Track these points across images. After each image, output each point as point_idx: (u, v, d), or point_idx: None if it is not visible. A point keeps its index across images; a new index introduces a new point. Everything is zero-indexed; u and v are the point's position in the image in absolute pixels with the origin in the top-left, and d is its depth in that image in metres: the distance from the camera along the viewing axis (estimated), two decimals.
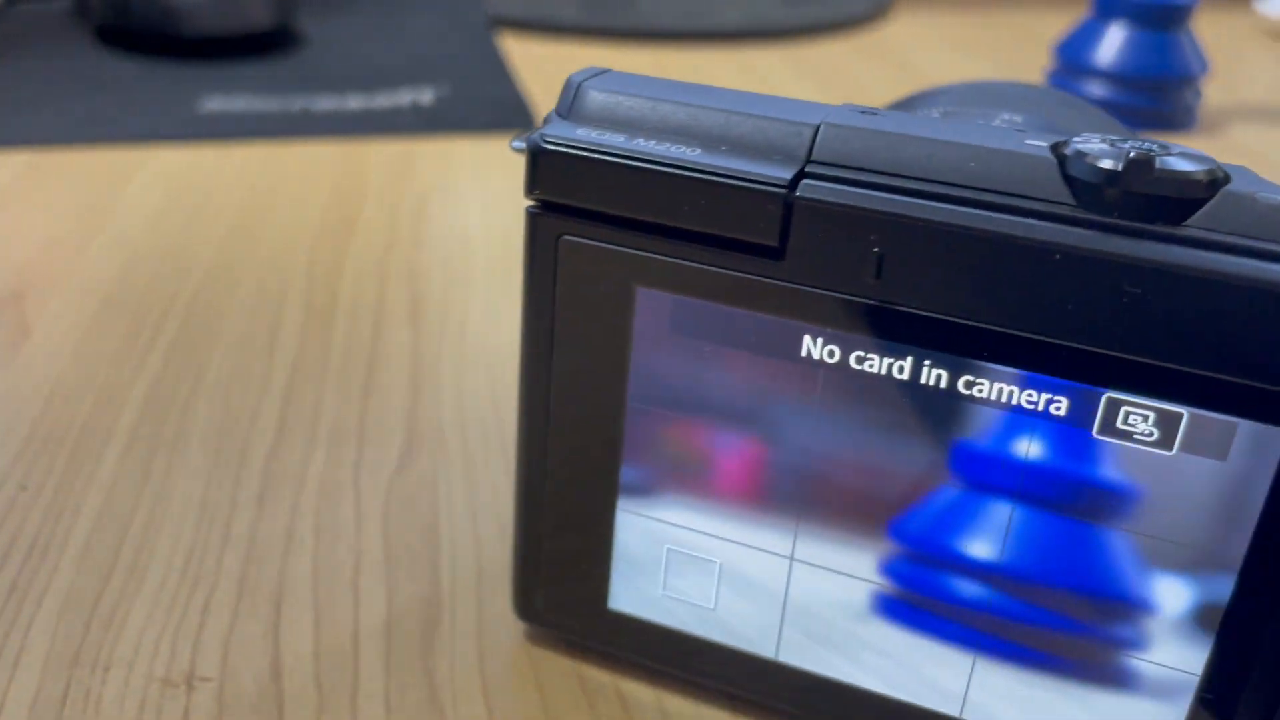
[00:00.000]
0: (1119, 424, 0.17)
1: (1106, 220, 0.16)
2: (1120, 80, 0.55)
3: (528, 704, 0.22)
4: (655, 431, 0.20)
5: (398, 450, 0.29)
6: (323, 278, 0.38)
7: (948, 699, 0.20)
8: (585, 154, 0.18)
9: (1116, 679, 0.19)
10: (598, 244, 0.19)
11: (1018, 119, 0.23)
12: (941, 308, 0.17)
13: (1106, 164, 0.16)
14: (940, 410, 0.18)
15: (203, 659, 0.22)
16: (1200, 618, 0.18)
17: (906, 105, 0.27)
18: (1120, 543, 0.18)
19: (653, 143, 0.18)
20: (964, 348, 0.17)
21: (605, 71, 0.20)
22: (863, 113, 0.18)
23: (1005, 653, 0.19)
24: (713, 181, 0.18)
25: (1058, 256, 0.16)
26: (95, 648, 0.23)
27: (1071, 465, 0.18)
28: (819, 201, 0.17)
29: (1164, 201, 0.16)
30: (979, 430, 0.18)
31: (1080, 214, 0.16)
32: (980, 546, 0.19)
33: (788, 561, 0.20)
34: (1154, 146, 0.16)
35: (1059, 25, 0.67)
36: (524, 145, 0.19)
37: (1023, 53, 0.68)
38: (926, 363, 0.18)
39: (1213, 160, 0.16)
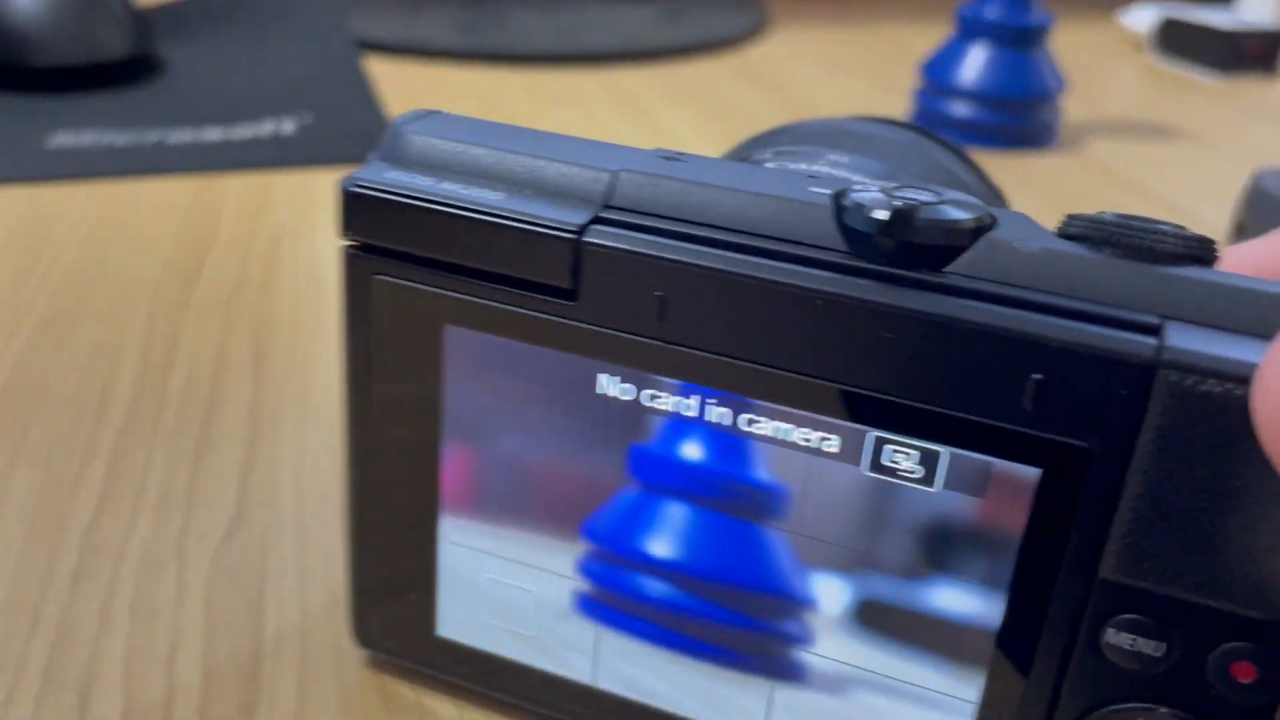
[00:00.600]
0: (885, 461, 0.18)
1: (870, 267, 0.17)
2: (982, 99, 0.56)
3: None
4: (472, 464, 0.21)
5: (228, 516, 0.28)
6: (163, 327, 0.36)
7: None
8: (392, 197, 0.19)
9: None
10: (408, 284, 0.20)
11: (844, 159, 0.24)
12: (719, 348, 0.18)
13: (877, 214, 0.16)
14: (724, 447, 0.19)
15: None
16: (977, 645, 0.18)
17: (752, 144, 0.28)
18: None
19: (459, 186, 0.19)
20: (743, 387, 0.18)
21: (433, 113, 0.21)
22: (666, 159, 0.19)
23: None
24: (509, 226, 0.18)
25: (819, 302, 0.17)
26: None
27: (846, 503, 0.18)
28: (606, 247, 0.18)
29: (928, 249, 0.16)
30: (763, 468, 0.19)
31: (849, 261, 0.17)
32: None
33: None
34: (929, 196, 0.17)
35: (932, 42, 0.68)
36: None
37: (897, 71, 0.69)
38: (711, 401, 0.18)
39: (983, 207, 0.17)
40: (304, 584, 0.26)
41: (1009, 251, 0.16)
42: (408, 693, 0.23)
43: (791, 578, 0.19)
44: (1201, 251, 0.16)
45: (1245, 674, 0.16)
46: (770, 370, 0.18)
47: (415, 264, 0.19)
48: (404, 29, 0.69)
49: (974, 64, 0.57)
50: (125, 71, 0.58)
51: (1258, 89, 0.71)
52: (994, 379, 0.16)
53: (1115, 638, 0.17)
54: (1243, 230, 0.42)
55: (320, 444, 0.31)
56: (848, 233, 0.17)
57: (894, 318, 0.16)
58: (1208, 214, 0.49)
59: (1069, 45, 0.73)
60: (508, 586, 0.21)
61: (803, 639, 0.19)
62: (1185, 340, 0.15)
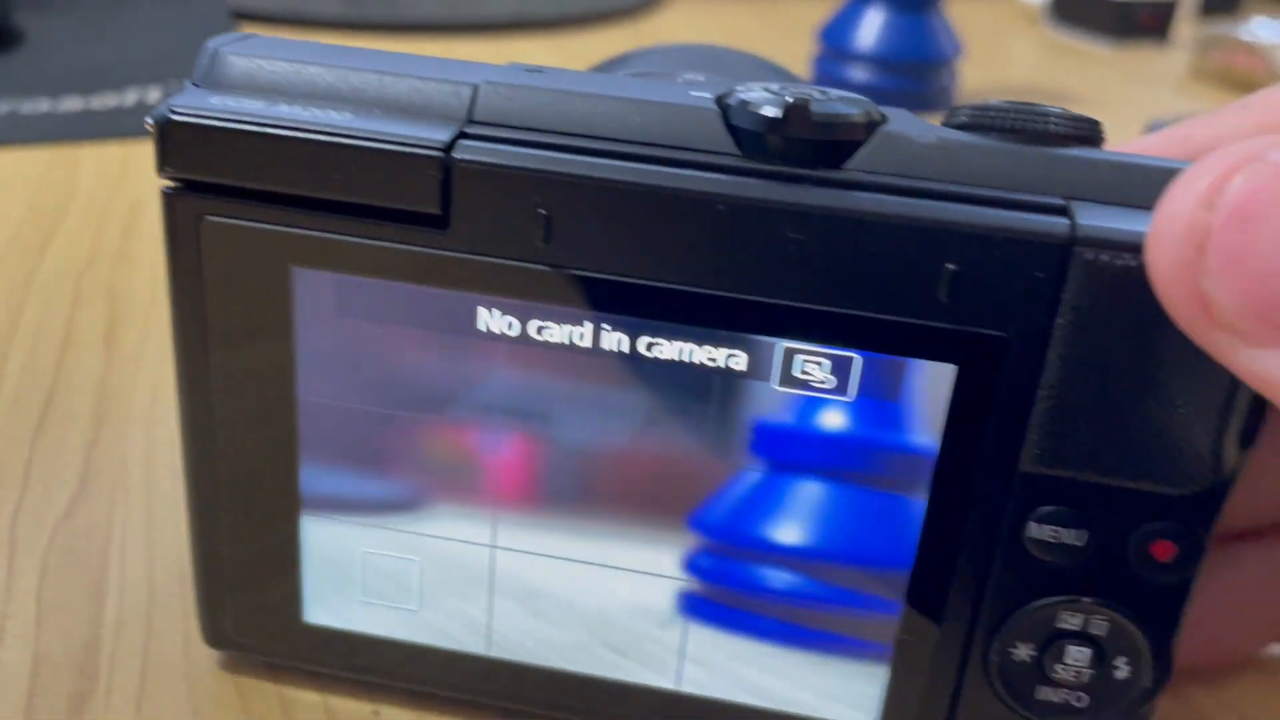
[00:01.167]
0: (795, 373, 0.17)
1: (767, 168, 0.16)
2: (879, 63, 0.56)
3: None
4: (335, 425, 0.18)
5: (69, 494, 0.25)
6: (3, 302, 0.33)
7: (664, 673, 0.19)
8: (219, 124, 0.17)
9: (873, 645, 0.18)
10: (245, 223, 0.17)
11: (700, 78, 0.23)
12: (612, 268, 0.16)
13: (767, 111, 0.15)
14: (628, 375, 0.17)
15: None
16: (900, 552, 0.18)
17: (600, 70, 0.26)
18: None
19: (297, 108, 0.17)
20: (640, 308, 0.17)
21: (249, 36, 0.18)
22: (527, 71, 0.17)
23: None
24: (364, 147, 0.16)
25: (721, 207, 0.16)
26: None
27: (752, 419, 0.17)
28: (479, 163, 0.16)
29: (823, 146, 0.16)
30: (674, 393, 0.17)
31: (743, 163, 0.16)
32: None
33: (489, 550, 0.19)
34: (814, 93, 0.16)
35: (829, 13, 0.67)
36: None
37: (793, 39, 0.68)
38: (605, 327, 0.17)
39: (870, 102, 0.16)
40: (152, 566, 0.23)
41: (906, 143, 0.16)
42: (265, 679, 0.21)
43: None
44: (1090, 132, 0.16)
45: (1165, 553, 0.16)
46: (668, 288, 0.16)
47: (251, 200, 0.17)
48: None
49: (871, 28, 0.56)
50: None
51: (1149, 56, 0.72)
52: (906, 274, 0.15)
53: (1038, 531, 0.17)
54: None
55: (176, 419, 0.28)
56: (738, 134, 0.16)
57: (797, 218, 0.15)
58: None
59: (964, 17, 0.73)
60: (387, 559, 0.19)
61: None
62: (1095, 218, 0.15)
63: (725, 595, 0.18)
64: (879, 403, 0.17)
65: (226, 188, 0.17)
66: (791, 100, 0.15)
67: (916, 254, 0.15)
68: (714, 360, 0.17)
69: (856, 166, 0.16)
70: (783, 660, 0.18)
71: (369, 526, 0.19)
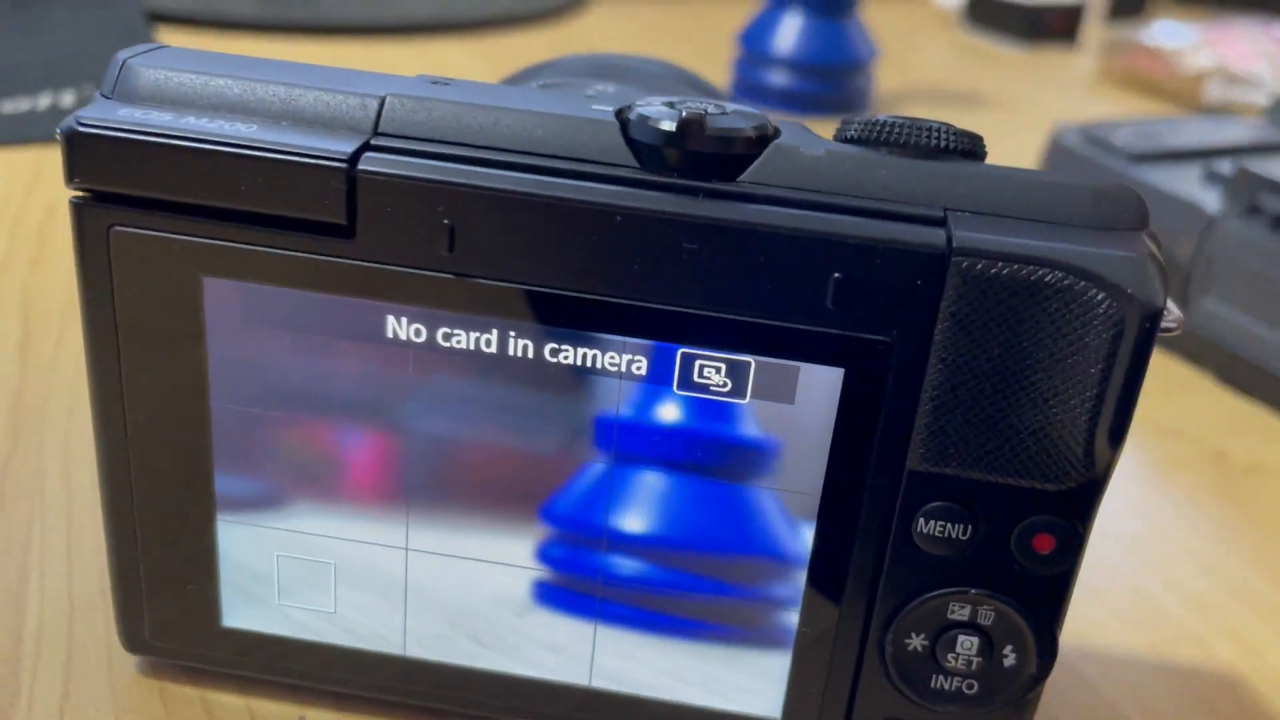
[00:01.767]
0: (695, 378, 0.17)
1: (664, 180, 0.16)
2: (796, 67, 0.57)
3: None
4: (248, 431, 0.19)
5: None
6: None
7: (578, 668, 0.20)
8: (126, 136, 0.17)
9: (776, 638, 0.19)
10: (154, 233, 0.17)
11: (610, 89, 0.23)
12: (515, 276, 0.17)
13: (663, 125, 0.16)
14: (534, 382, 0.18)
15: None
16: (796, 551, 0.18)
17: (514, 80, 0.27)
18: (747, 498, 0.18)
19: (205, 120, 0.17)
20: (542, 316, 0.17)
21: (160, 47, 0.18)
22: (434, 83, 0.18)
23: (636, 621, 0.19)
24: (270, 159, 0.17)
25: (618, 218, 0.16)
26: None
27: (657, 423, 0.18)
28: (383, 174, 0.17)
29: (717, 159, 0.16)
30: (583, 401, 0.18)
31: (641, 175, 0.16)
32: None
33: (404, 552, 0.19)
34: (710, 107, 0.17)
35: (749, 18, 0.68)
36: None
37: (715, 43, 0.69)
38: (511, 334, 0.17)
39: (763, 117, 0.17)
40: (72, 577, 0.23)
41: (796, 157, 0.16)
42: (188, 687, 0.21)
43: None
44: (973, 146, 0.17)
45: (1044, 545, 0.17)
46: (570, 295, 0.17)
47: (160, 211, 0.17)
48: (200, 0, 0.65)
49: (788, 32, 0.57)
50: None
51: (1058, 59, 0.74)
52: (795, 283, 0.16)
53: (926, 526, 0.17)
54: None
55: None
56: (636, 147, 0.17)
57: (692, 228, 0.16)
58: None
59: (882, 21, 0.75)
60: (302, 562, 0.20)
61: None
62: (971, 229, 0.16)
63: (640, 599, 0.19)
64: (772, 404, 0.17)
65: (135, 198, 0.17)
66: (686, 115, 0.16)
67: (805, 263, 0.16)
68: (616, 365, 0.17)
69: (749, 179, 0.16)
70: (693, 657, 0.19)
71: (284, 531, 0.19)
